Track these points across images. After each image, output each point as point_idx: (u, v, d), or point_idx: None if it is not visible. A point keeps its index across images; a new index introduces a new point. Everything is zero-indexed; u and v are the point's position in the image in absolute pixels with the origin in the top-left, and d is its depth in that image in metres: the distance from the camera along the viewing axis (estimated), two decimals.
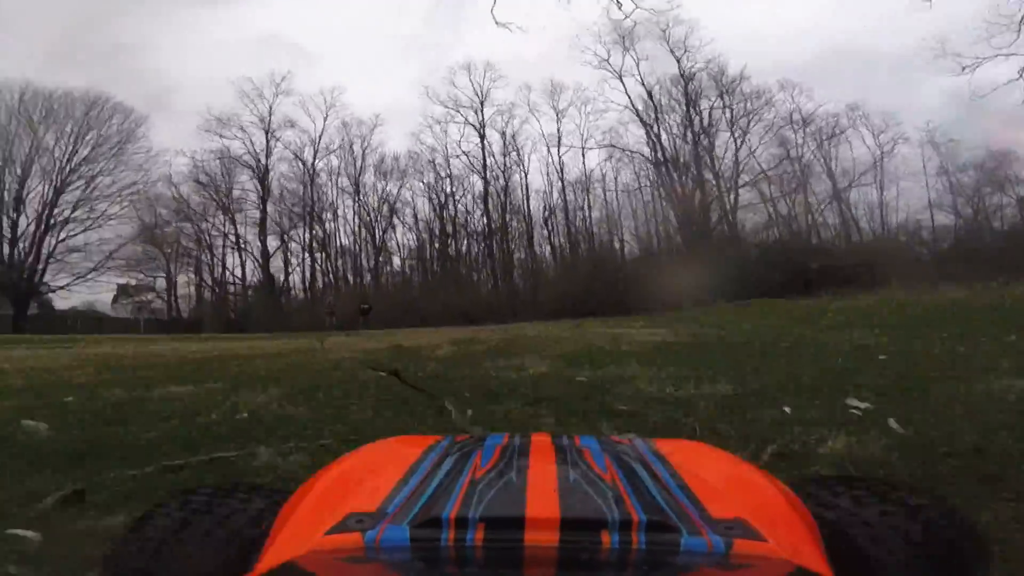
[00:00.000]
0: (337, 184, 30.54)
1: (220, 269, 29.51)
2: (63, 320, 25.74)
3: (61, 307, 27.37)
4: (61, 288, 26.14)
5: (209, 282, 29.74)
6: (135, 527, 0.67)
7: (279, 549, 0.45)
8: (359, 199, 30.61)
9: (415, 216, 31.08)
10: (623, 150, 29.09)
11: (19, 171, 24.39)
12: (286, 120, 29.37)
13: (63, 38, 36.41)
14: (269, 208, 29.21)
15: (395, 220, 30.78)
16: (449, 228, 30.48)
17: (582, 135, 30.06)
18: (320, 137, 30.17)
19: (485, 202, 30.06)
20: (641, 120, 28.33)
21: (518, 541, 0.40)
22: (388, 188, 30.73)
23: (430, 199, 30.86)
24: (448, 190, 30.68)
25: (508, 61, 38.30)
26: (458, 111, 30.43)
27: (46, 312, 26.23)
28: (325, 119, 30.15)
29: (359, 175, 30.58)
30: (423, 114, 31.27)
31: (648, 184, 29.00)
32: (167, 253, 28.36)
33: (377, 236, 30.54)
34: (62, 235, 25.25)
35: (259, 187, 29.09)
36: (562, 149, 30.28)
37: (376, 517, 0.44)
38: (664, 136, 28.34)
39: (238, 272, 29.51)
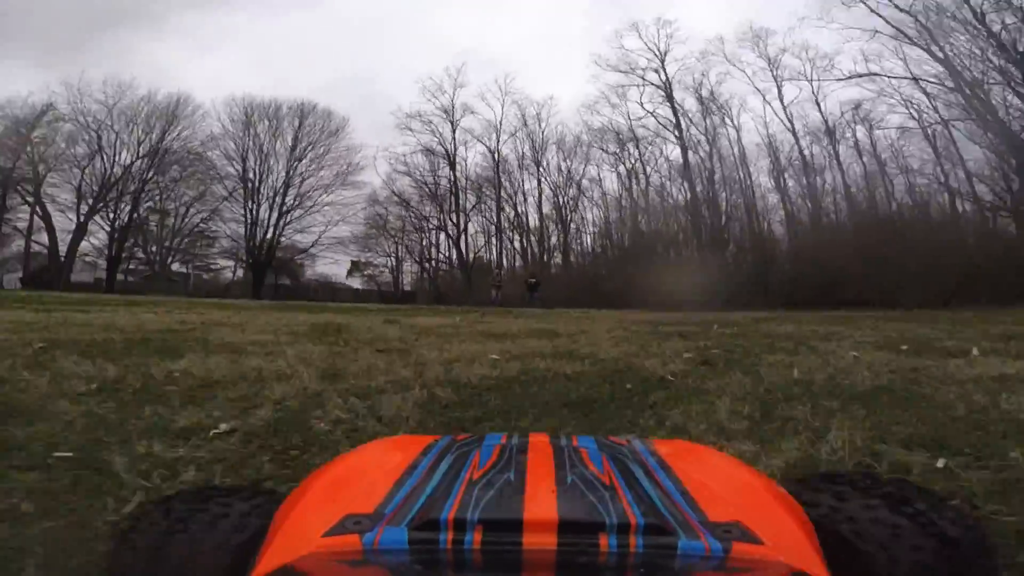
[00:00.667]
0: (522, 165, 29.97)
1: (433, 249, 32.04)
2: (307, 289, 30.72)
3: (306, 279, 32.96)
4: (291, 260, 30.93)
5: (424, 261, 32.47)
6: (122, 536, 0.61)
7: (276, 552, 0.44)
8: (544, 178, 29.42)
9: (602, 191, 28.34)
10: (890, 79, 20.55)
11: (257, 169, 29.72)
12: (466, 108, 30.19)
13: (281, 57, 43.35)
14: (462, 193, 30.18)
15: (582, 197, 28.63)
16: (641, 201, 26.78)
17: (810, 80, 22.74)
18: (500, 123, 30.11)
19: (685, 167, 25.21)
20: (916, 43, 19.48)
21: (516, 544, 0.40)
22: (572, 165, 28.90)
23: (617, 172, 27.83)
24: (636, 160, 27.08)
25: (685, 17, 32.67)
26: (634, 72, 26.52)
27: (295, 283, 31.69)
28: (503, 105, 30.07)
29: (541, 155, 29.52)
30: (598, 83, 29.02)
31: (937, 124, 19.87)
32: (392, 235, 31.67)
33: (565, 214, 28.77)
34: (289, 220, 30.00)
35: (451, 174, 30.17)
36: (787, 96, 23.59)
37: (374, 519, 0.44)
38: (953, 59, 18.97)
39: (447, 252, 31.56)
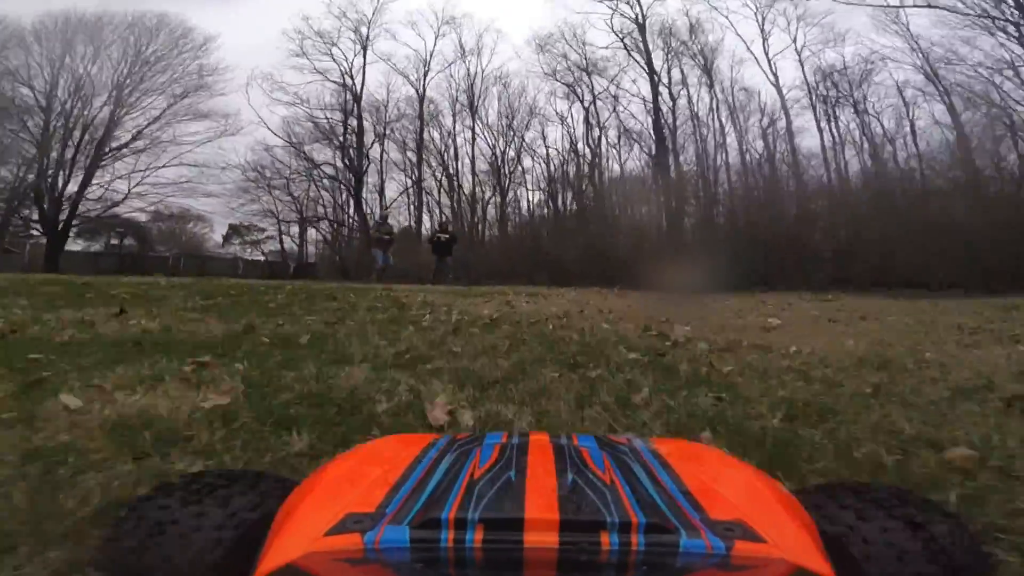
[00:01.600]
0: (454, 111, 23.22)
1: (344, 215, 24.50)
2: (162, 260, 23.19)
3: (171, 247, 25.11)
4: (102, 216, 21.48)
5: (320, 220, 24.95)
6: (126, 516, 0.59)
7: (278, 551, 0.44)
8: (481, 127, 22.94)
9: (545, 146, 22.32)
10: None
11: (67, 99, 20.33)
12: (384, 29, 22.58)
13: None
14: (370, 127, 23.03)
15: (523, 151, 22.58)
16: (592, 159, 21.35)
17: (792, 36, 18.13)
18: (431, 56, 22.77)
19: (656, 117, 20.23)
20: None
21: (517, 543, 0.40)
22: (516, 115, 22.49)
23: (564, 126, 22.01)
24: (592, 101, 21.37)
25: None
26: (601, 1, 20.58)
27: (146, 250, 23.93)
28: (436, 36, 22.82)
29: (478, 99, 22.85)
30: (557, 15, 23.19)
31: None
32: (290, 193, 23.79)
33: (504, 172, 22.86)
34: (103, 161, 20.69)
35: (354, 106, 22.66)
36: (778, 46, 18.83)
37: (375, 517, 0.44)
38: None
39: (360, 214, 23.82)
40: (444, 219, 16.55)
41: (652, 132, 20.04)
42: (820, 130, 18.35)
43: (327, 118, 22.88)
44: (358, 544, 0.40)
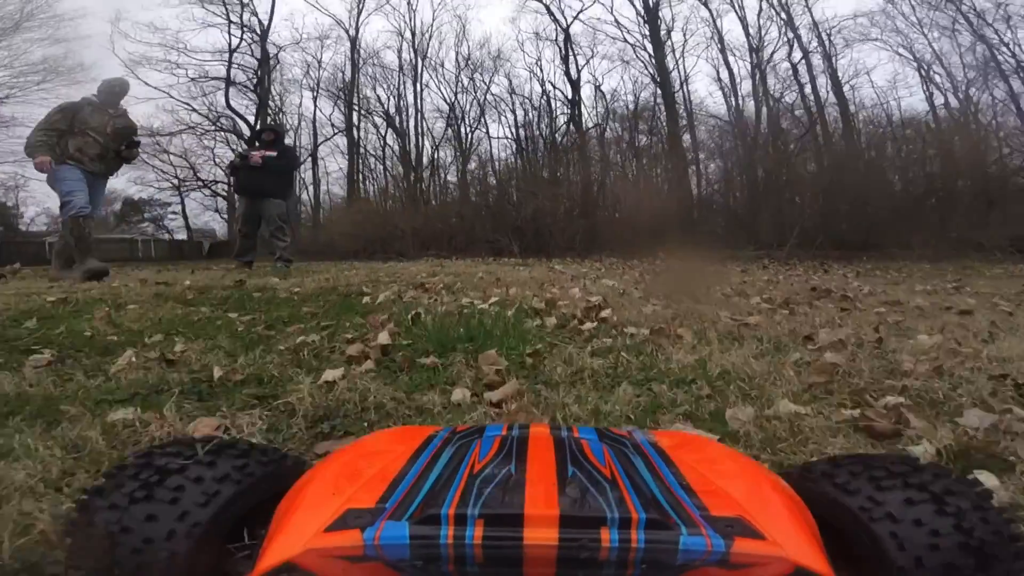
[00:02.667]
0: (402, 59, 18.46)
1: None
2: (38, 247, 18.25)
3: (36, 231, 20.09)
4: None
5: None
6: (104, 484, 0.55)
7: (278, 547, 0.44)
8: (436, 80, 18.51)
9: (512, 104, 17.79)
10: None
11: None
12: None
13: None
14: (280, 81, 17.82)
15: (487, 103, 18.05)
16: (573, 96, 16.68)
17: None
18: None
19: (655, 41, 15.94)
20: None
21: (517, 539, 0.40)
22: (479, 69, 17.88)
23: (535, 71, 18.88)
24: (568, 28, 16.99)
25: None
26: None
27: (12, 236, 18.89)
28: None
29: (428, 43, 18.91)
30: None
31: None
32: (167, 153, 18.17)
33: (463, 133, 18.36)
34: None
35: (259, 47, 17.27)
36: None
37: (375, 513, 0.44)
38: None
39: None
40: (272, 122, 10.17)
41: (651, 52, 15.73)
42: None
43: (240, 66, 17.50)
44: (358, 540, 0.40)
